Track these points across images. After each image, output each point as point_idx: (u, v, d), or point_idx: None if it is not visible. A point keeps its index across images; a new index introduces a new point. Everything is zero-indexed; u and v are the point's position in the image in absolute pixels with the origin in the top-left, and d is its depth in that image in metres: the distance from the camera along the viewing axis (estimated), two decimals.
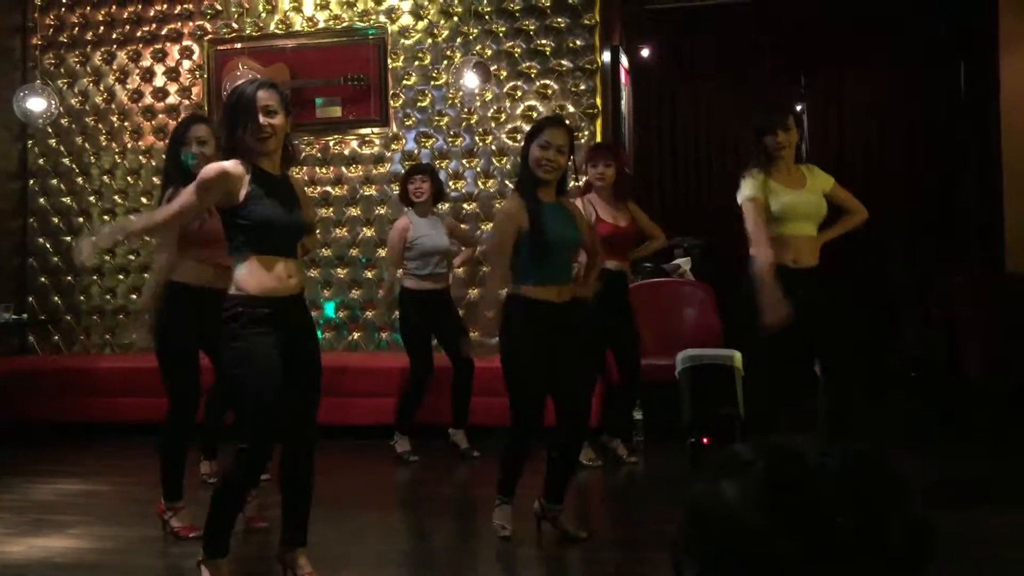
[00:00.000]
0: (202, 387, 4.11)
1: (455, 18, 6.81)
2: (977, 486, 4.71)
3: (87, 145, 7.39)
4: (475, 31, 6.78)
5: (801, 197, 4.12)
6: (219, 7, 7.14)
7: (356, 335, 6.88)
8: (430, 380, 5.55)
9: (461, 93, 6.69)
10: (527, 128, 6.64)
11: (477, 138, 6.79)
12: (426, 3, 6.86)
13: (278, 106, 3.25)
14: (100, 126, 7.38)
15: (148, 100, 7.29)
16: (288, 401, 3.24)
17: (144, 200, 7.11)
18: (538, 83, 6.70)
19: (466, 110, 6.79)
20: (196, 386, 4.06)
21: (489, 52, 6.74)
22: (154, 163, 7.05)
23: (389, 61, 6.87)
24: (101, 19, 7.37)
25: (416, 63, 6.87)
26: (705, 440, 1.01)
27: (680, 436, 4.77)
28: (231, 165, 3.21)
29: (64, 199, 7.43)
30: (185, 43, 7.23)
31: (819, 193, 4.18)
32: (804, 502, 0.79)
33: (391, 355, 6.45)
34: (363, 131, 6.94)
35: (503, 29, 6.74)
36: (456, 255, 5.98)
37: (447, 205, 6.67)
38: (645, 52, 8.37)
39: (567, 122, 4.38)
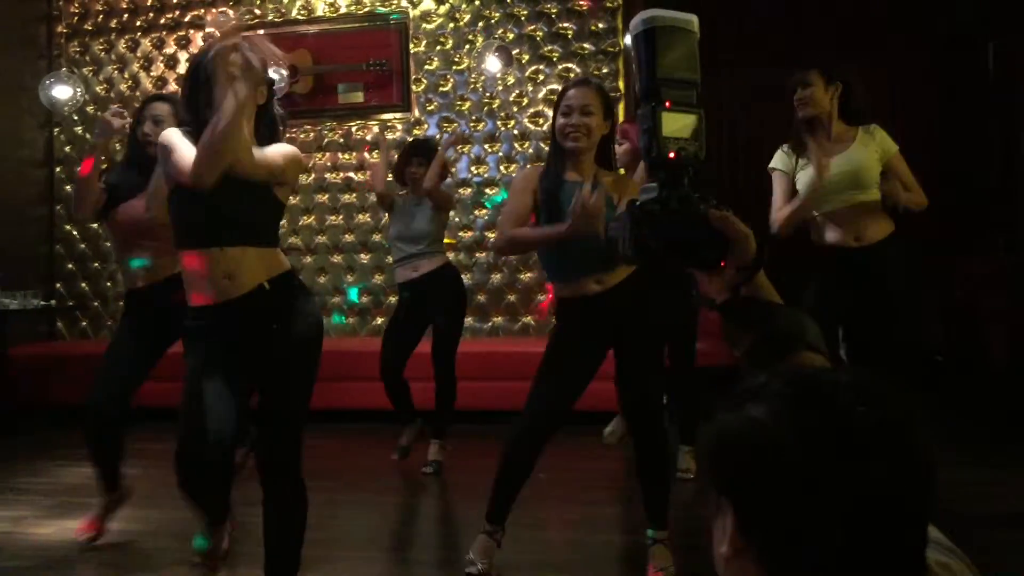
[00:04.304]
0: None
1: (476, 2, 6.80)
2: (998, 471, 4.68)
3: None
4: (497, 15, 6.76)
5: (838, 162, 3.67)
6: None
7: (379, 320, 6.91)
8: (390, 377, 4.95)
9: (483, 77, 6.68)
10: (550, 112, 6.72)
11: (499, 123, 6.78)
12: None
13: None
14: (125, 113, 7.39)
15: (172, 87, 7.32)
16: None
17: None
18: (560, 67, 6.68)
19: (488, 94, 6.78)
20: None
21: (511, 36, 6.72)
22: None
23: (411, 46, 6.87)
24: (125, 7, 7.42)
25: (438, 48, 6.86)
26: (668, 103, 0.96)
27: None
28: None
29: None
30: (208, 30, 7.26)
31: (868, 153, 3.80)
32: (826, 408, 0.79)
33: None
34: (385, 116, 6.95)
35: (525, 12, 6.72)
36: (436, 236, 4.99)
37: (469, 190, 6.70)
38: None
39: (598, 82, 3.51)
